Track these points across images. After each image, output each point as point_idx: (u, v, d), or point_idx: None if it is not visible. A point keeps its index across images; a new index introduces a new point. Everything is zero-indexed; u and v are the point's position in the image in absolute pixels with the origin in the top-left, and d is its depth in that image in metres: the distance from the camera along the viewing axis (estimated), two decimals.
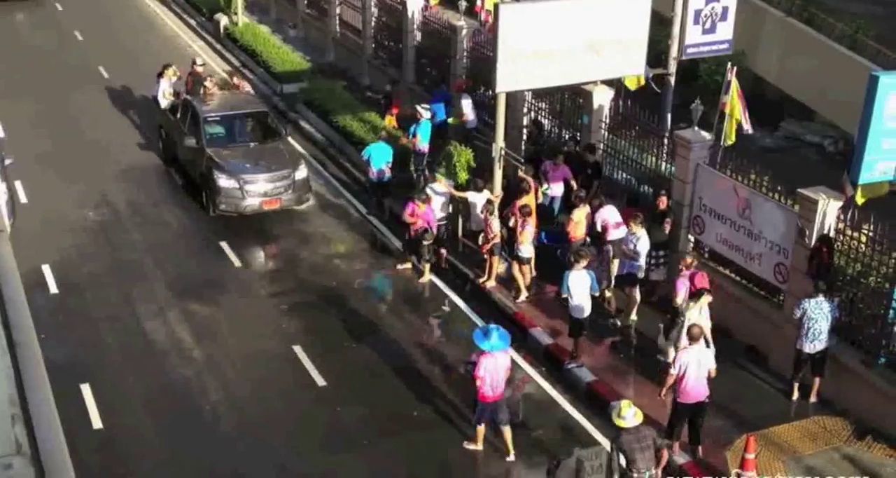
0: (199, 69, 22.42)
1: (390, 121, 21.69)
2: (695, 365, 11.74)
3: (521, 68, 15.32)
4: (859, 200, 12.85)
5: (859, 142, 12.16)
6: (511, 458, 12.25)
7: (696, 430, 12.15)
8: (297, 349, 14.61)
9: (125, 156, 21.60)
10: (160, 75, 21.72)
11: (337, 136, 22.00)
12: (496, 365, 11.91)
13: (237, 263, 17.24)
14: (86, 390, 13.46)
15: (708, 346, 12.38)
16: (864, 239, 12.81)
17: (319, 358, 14.38)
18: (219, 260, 17.43)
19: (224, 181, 18.13)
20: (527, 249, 15.61)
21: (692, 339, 11.85)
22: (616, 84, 17.64)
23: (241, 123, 20.11)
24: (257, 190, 18.23)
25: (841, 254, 13.02)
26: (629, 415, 10.56)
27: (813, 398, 13.13)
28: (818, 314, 12.56)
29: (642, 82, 18.01)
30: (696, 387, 11.84)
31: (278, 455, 12.44)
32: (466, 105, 20.14)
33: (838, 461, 12.08)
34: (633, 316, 15.09)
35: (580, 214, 15.61)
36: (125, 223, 18.72)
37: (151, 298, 16.04)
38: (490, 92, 18.78)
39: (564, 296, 13.90)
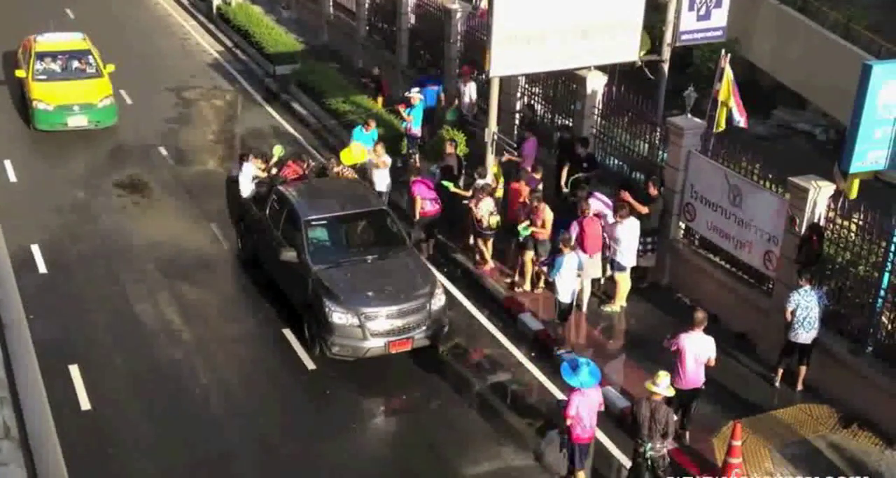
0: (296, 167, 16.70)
1: (381, 103, 21.69)
2: (695, 352, 11.84)
3: (514, 52, 15.29)
4: (852, 193, 12.86)
5: (851, 131, 12.15)
6: None
7: (688, 415, 12.23)
8: (287, 332, 14.61)
9: (115, 135, 21.50)
10: (244, 157, 17.28)
11: (330, 118, 21.94)
12: (589, 403, 11.12)
13: (226, 244, 17.20)
14: (74, 371, 13.44)
15: None
16: (853, 228, 12.84)
17: (309, 341, 14.38)
18: (209, 241, 17.39)
19: (339, 316, 13.42)
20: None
21: (696, 324, 11.93)
22: (609, 69, 17.64)
23: (355, 228, 15.42)
24: (382, 328, 13.56)
25: (831, 243, 13.06)
26: (663, 384, 10.74)
27: (799, 387, 13.20)
28: (810, 302, 12.62)
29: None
30: (695, 373, 11.94)
31: (267, 438, 12.45)
32: (468, 91, 20.04)
33: (824, 449, 12.15)
34: (623, 302, 15.12)
35: (547, 214, 15.42)
36: (115, 204, 18.66)
37: (141, 280, 16.01)
38: (484, 76, 18.72)
39: (552, 279, 13.99)
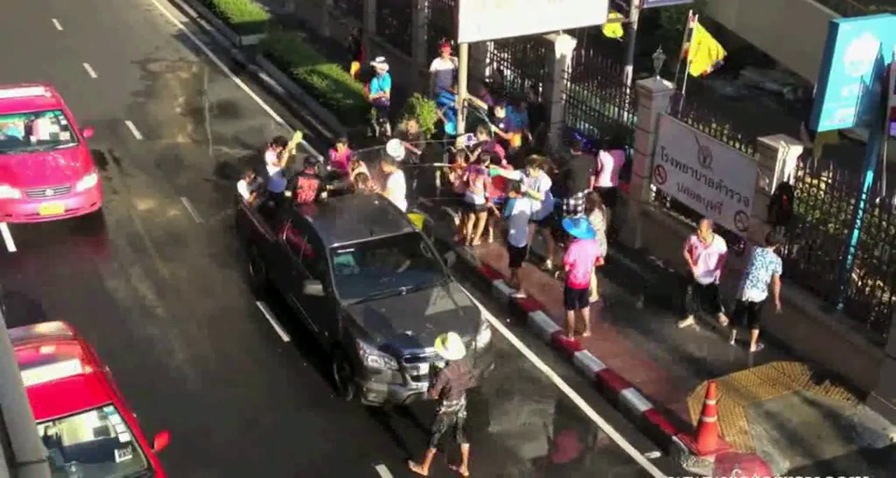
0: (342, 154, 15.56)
1: (355, 68, 21.56)
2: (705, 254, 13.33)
3: (483, 18, 15.22)
4: (817, 152, 12.94)
5: (819, 89, 12.18)
6: (588, 333, 13.46)
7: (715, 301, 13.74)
8: (261, 305, 14.57)
9: (81, 109, 21.22)
10: (247, 177, 15.61)
11: (298, 88, 21.77)
12: (586, 253, 12.97)
13: (198, 218, 17.09)
14: None
15: None
16: (822, 186, 12.94)
17: (283, 313, 14.35)
18: (180, 215, 17.27)
19: (375, 360, 12.01)
20: (479, 198, 15.56)
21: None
22: (578, 33, 17.58)
23: (386, 256, 13.85)
24: (424, 371, 11.92)
25: (800, 201, 13.15)
26: (452, 348, 10.84)
27: (752, 348, 13.31)
28: (760, 263, 12.73)
29: (618, 32, 18.00)
30: (703, 266, 13.34)
31: (244, 411, 12.45)
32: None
33: (798, 406, 12.31)
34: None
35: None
36: None
37: (113, 256, 15.89)
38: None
39: (504, 217, 14.44)
